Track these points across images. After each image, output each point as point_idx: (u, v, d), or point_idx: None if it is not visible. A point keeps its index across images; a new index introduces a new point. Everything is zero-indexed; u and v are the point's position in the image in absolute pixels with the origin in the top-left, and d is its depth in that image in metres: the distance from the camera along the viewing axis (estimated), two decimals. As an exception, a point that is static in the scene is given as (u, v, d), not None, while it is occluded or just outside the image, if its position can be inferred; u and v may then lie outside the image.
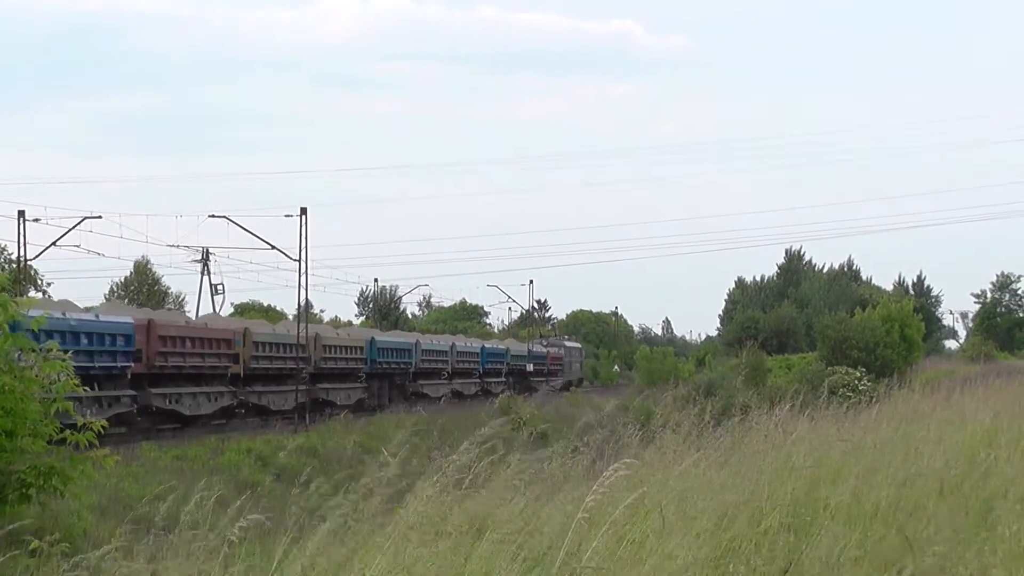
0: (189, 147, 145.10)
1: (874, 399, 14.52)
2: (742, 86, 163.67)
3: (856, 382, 41.05)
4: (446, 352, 48.83)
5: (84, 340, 25.32)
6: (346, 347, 39.67)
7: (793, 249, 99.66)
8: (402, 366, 43.64)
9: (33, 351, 12.34)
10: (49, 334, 23.24)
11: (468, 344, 53.52)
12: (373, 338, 42.42)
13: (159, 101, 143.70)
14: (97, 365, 25.76)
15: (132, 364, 27.20)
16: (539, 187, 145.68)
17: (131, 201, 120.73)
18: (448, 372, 48.42)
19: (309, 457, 19.82)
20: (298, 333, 35.07)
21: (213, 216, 40.33)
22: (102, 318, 27.18)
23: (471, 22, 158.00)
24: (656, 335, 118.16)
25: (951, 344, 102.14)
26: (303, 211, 35.66)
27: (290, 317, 51.89)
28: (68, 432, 12.46)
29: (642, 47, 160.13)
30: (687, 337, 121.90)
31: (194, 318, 38.71)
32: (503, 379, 54.67)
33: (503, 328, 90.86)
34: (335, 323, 60.84)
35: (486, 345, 55.74)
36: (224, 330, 32.69)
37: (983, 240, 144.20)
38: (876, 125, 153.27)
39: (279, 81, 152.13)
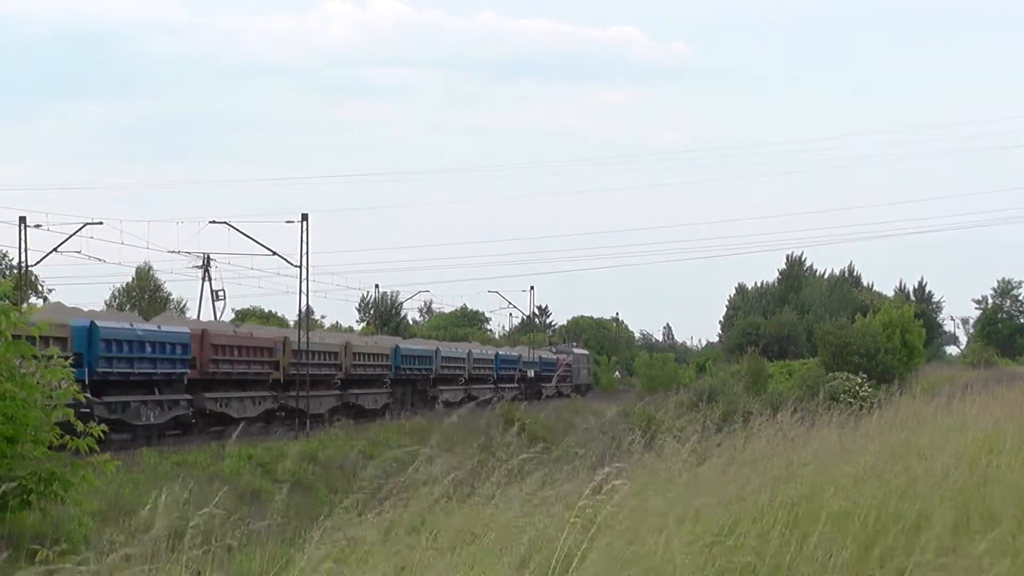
0: (189, 153, 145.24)
1: (875, 405, 14.53)
2: (743, 92, 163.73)
3: (857, 388, 41.03)
4: (463, 359, 51.03)
5: (148, 348, 27.63)
6: (374, 355, 41.82)
7: (794, 255, 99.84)
8: (423, 372, 45.77)
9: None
10: (119, 344, 26.66)
11: (483, 351, 55.74)
12: (398, 346, 44.77)
13: (160, 108, 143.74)
14: (159, 371, 28.07)
15: (188, 371, 29.25)
16: (539, 193, 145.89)
17: (132, 207, 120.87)
18: (465, 378, 50.47)
19: (310, 464, 19.90)
20: (299, 339, 35.25)
21: (214, 222, 40.32)
22: (163, 328, 29.38)
23: (471, 28, 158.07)
24: (657, 341, 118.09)
25: (952, 350, 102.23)
26: (304, 217, 35.72)
27: (291, 323, 51.95)
28: (69, 438, 12.46)
29: (643, 53, 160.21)
30: (688, 343, 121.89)
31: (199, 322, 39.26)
32: (516, 384, 56.49)
33: (504, 334, 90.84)
34: (335, 329, 60.83)
35: (500, 352, 57.78)
36: (267, 339, 35.10)
37: (984, 246, 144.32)
38: (877, 131, 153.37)
39: (280, 87, 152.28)
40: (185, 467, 19.81)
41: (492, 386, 52.67)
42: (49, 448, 12.44)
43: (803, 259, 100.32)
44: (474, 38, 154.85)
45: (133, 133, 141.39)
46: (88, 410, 22.36)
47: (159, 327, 29.51)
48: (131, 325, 28.21)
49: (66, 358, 13.27)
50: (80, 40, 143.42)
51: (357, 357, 39.99)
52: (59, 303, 28.94)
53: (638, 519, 6.47)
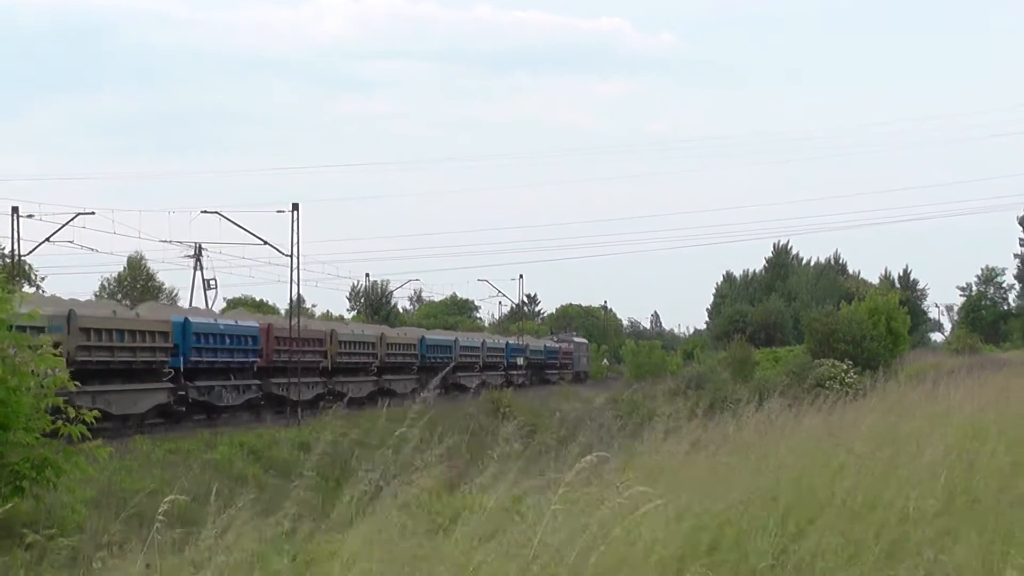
0: (182, 144, 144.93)
1: (861, 392, 14.65)
2: (731, 83, 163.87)
3: (843, 375, 41.27)
4: (478, 348, 55.28)
5: (227, 340, 31.86)
6: (404, 344, 45.94)
7: (781, 243, 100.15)
8: (445, 360, 49.02)
9: (30, 347, 12.38)
10: (207, 336, 30.85)
11: (496, 341, 60.06)
12: (423, 336, 49.24)
13: (153, 99, 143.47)
14: (235, 360, 32.24)
15: (258, 359, 33.38)
16: (529, 183, 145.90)
17: (124, 197, 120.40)
18: (480, 365, 54.35)
19: (301, 451, 19.97)
20: (290, 326, 35.78)
21: (205, 212, 40.51)
22: (239, 323, 33.74)
23: (464, 20, 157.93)
24: (645, 329, 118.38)
25: (937, 337, 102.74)
26: (295, 207, 35.85)
27: (282, 312, 52.10)
28: (61, 423, 12.50)
29: (632, 45, 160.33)
30: (676, 331, 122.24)
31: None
32: (523, 371, 60.70)
33: (493, 322, 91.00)
34: (326, 318, 60.94)
35: (509, 341, 62.06)
36: (318, 331, 39.15)
37: (968, 234, 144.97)
38: (863, 121, 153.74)
39: (273, 79, 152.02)
40: (178, 455, 19.88)
41: (503, 372, 56.72)
42: (42, 435, 12.48)
43: (789, 247, 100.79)
44: (468, 30, 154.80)
45: (126, 125, 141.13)
46: (183, 393, 28.98)
47: (236, 322, 33.87)
48: (215, 320, 32.90)
49: (54, 348, 13.30)
50: (77, 32, 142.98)
51: (390, 347, 43.91)
52: (54, 295, 29.06)
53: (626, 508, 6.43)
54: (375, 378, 42.08)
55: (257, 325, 34.54)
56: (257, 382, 33.46)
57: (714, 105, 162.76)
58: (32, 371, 12.32)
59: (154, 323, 28.31)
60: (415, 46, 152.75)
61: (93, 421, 12.73)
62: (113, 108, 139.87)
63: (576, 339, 75.98)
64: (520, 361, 60.63)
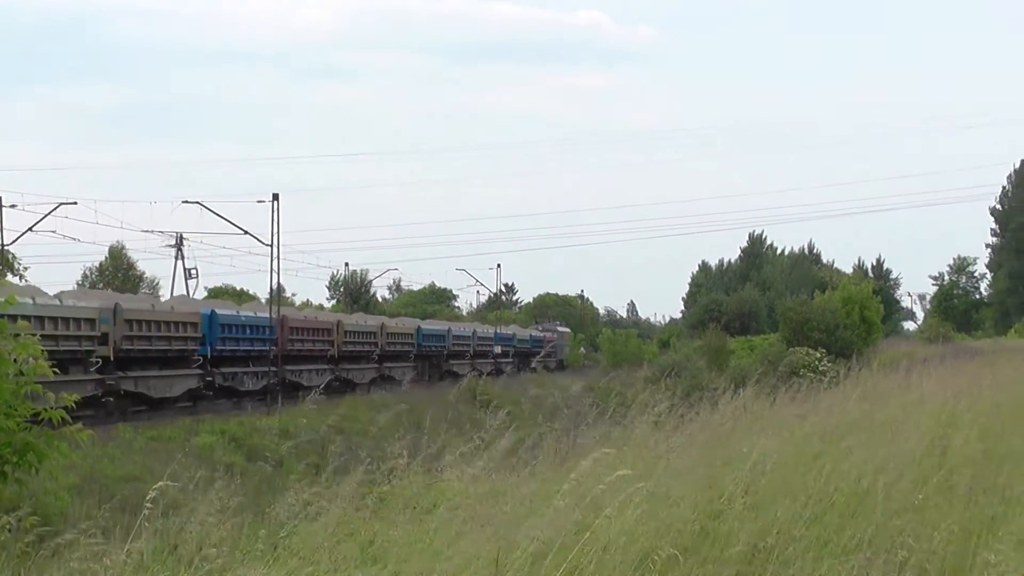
0: (164, 135, 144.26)
1: (835, 380, 14.82)
2: (707, 75, 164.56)
3: (816, 363, 41.55)
4: (469, 337, 57.66)
5: (248, 331, 34.99)
6: (402, 334, 48.51)
7: (756, 233, 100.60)
8: (439, 349, 52.32)
9: (14, 335, 12.35)
10: (231, 327, 33.79)
11: (485, 330, 62.43)
12: (420, 327, 51.23)
13: (135, 91, 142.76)
14: (255, 348, 35.37)
15: (273, 347, 36.09)
16: (507, 174, 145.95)
17: (106, 187, 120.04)
18: (471, 353, 56.72)
19: (282, 439, 20.03)
20: (270, 315, 36.26)
21: (187, 202, 40.94)
22: (257, 314, 36.98)
23: (445, 12, 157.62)
24: (621, 318, 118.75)
25: (909, 325, 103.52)
26: (275, 197, 36.05)
27: (263, 301, 52.18)
28: (43, 409, 12.49)
29: (610, 37, 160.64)
30: (652, 319, 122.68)
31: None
32: (511, 359, 63.42)
33: (471, 311, 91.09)
34: (305, 306, 60.94)
35: (497, 331, 64.40)
36: (327, 322, 41.96)
37: (941, 224, 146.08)
38: (838, 112, 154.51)
39: (254, 70, 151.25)
40: (160, 442, 19.91)
41: (492, 360, 59.19)
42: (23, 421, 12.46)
43: (764, 237, 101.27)
44: (447, 22, 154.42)
45: (109, 116, 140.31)
46: (211, 379, 31.72)
47: (255, 313, 36.98)
48: (237, 312, 36.01)
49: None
50: (59, 24, 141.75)
51: (390, 336, 46.62)
52: (35, 287, 29.45)
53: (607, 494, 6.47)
54: (376, 365, 44.93)
55: (273, 316, 37.50)
56: (274, 369, 36.03)
57: (691, 97, 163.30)
58: (13, 359, 12.31)
59: (186, 315, 31.25)
60: (395, 37, 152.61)
61: (73, 406, 12.73)
62: (96, 99, 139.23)
63: (560, 328, 78.82)
64: (497, 350, 62.07)
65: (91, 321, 26.72)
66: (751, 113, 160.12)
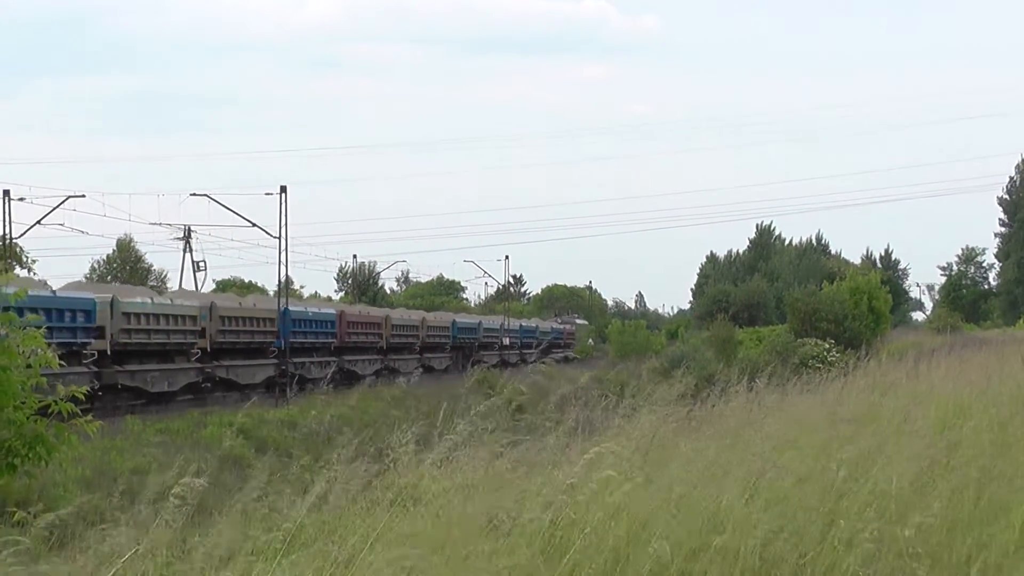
0: (172, 128, 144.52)
1: (844, 371, 14.78)
2: (714, 64, 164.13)
3: (825, 354, 41.53)
4: (498, 329, 62.84)
5: (314, 325, 39.21)
6: (440, 327, 53.59)
7: (764, 224, 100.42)
8: (471, 340, 57.34)
9: (17, 325, 12.38)
10: (300, 321, 38.00)
11: (512, 323, 67.44)
12: (454, 320, 56.44)
13: (143, 83, 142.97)
14: (320, 340, 39.82)
15: (335, 340, 40.79)
16: (515, 165, 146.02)
17: (114, 180, 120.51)
18: (499, 344, 61.59)
19: (289, 430, 20.11)
20: (278, 307, 36.60)
21: (195, 195, 40.84)
22: (322, 310, 42.02)
23: (447, 3, 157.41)
24: (629, 309, 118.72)
25: (918, 316, 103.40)
26: (283, 189, 36.10)
27: (271, 293, 52.40)
28: (52, 400, 12.53)
29: (616, 27, 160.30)
30: (660, 310, 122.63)
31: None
32: (534, 349, 67.37)
33: (479, 303, 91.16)
34: (313, 299, 61.22)
35: (522, 323, 70.18)
36: (377, 316, 46.71)
37: (949, 214, 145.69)
38: (846, 102, 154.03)
39: (261, 63, 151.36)
40: (168, 434, 19.96)
41: (518, 351, 64.13)
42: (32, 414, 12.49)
43: (772, 228, 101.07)
44: (452, 13, 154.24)
45: (116, 108, 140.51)
46: (284, 367, 34.87)
47: (320, 309, 41.93)
48: (306, 308, 40.78)
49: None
50: (62, 16, 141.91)
51: (430, 329, 51.89)
52: (42, 280, 29.99)
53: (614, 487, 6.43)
54: (418, 356, 49.90)
55: (335, 312, 41.90)
56: (335, 359, 40.16)
57: (698, 87, 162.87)
58: (23, 352, 12.33)
59: (266, 311, 35.81)
60: (399, 29, 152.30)
61: (83, 397, 12.76)
62: (103, 92, 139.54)
63: (578, 321, 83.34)
64: (505, 340, 63.99)
65: (194, 317, 31.08)
66: (759, 103, 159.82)
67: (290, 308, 37.18)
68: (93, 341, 26.69)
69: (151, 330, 29.17)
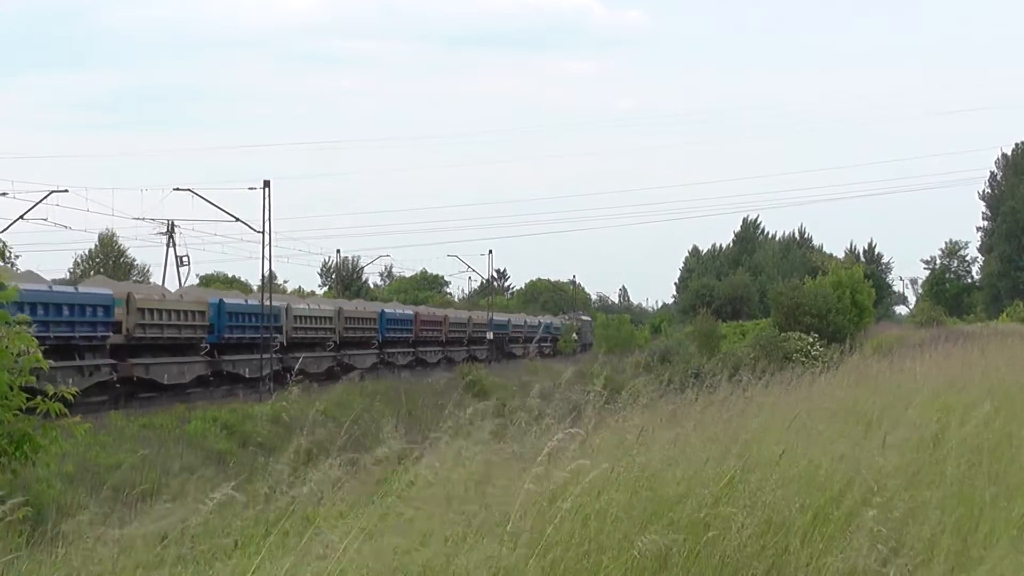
0: (154, 123, 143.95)
1: (828, 365, 14.81)
2: (698, 60, 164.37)
3: (809, 347, 41.66)
4: (523, 326, 71.29)
5: (313, 321, 42.00)
6: (481, 324, 62.25)
7: (749, 218, 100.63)
8: (503, 335, 65.86)
9: (7, 324, 12.33)
10: (303, 319, 40.90)
11: (535, 320, 75.62)
12: (492, 317, 64.32)
13: (126, 78, 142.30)
14: (319, 337, 42.55)
15: (332, 335, 43.48)
16: (498, 160, 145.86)
17: (97, 175, 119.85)
18: (523, 338, 69.38)
19: (274, 425, 20.07)
20: (261, 302, 36.62)
21: (178, 189, 40.89)
22: (322, 307, 44.35)
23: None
24: (613, 303, 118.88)
25: (901, 310, 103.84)
26: (266, 184, 36.04)
27: (255, 288, 52.28)
28: (40, 399, 12.48)
29: (601, 23, 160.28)
30: (644, 305, 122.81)
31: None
32: (548, 344, 73.93)
33: (463, 297, 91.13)
34: (299, 293, 61.05)
35: (541, 320, 76.79)
36: (405, 314, 52.43)
37: (932, 208, 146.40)
38: (830, 96, 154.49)
39: (244, 58, 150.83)
40: (152, 429, 19.88)
41: (538, 344, 70.67)
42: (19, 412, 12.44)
43: (757, 222, 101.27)
44: (436, 9, 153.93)
45: (99, 103, 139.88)
46: (291, 363, 34.25)
47: (319, 305, 44.64)
48: (307, 305, 43.14)
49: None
50: (49, 11, 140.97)
51: (475, 326, 60.82)
52: (30, 271, 30.35)
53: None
54: (467, 347, 57.22)
55: (281, 306, 41.93)
56: (333, 354, 42.58)
57: (682, 82, 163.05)
58: (8, 348, 12.27)
59: (192, 303, 34.91)
60: (384, 24, 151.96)
61: (71, 398, 12.71)
62: (86, 87, 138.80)
63: (583, 317, 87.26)
64: (493, 334, 66.63)
65: (203, 313, 32.71)
66: (743, 97, 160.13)
67: (292, 306, 40.30)
68: (112, 334, 28.50)
69: (164, 324, 31.29)
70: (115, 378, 27.99)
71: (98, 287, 30.01)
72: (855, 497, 6.81)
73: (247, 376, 35.62)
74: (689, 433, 7.98)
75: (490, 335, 63.16)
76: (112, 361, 28.18)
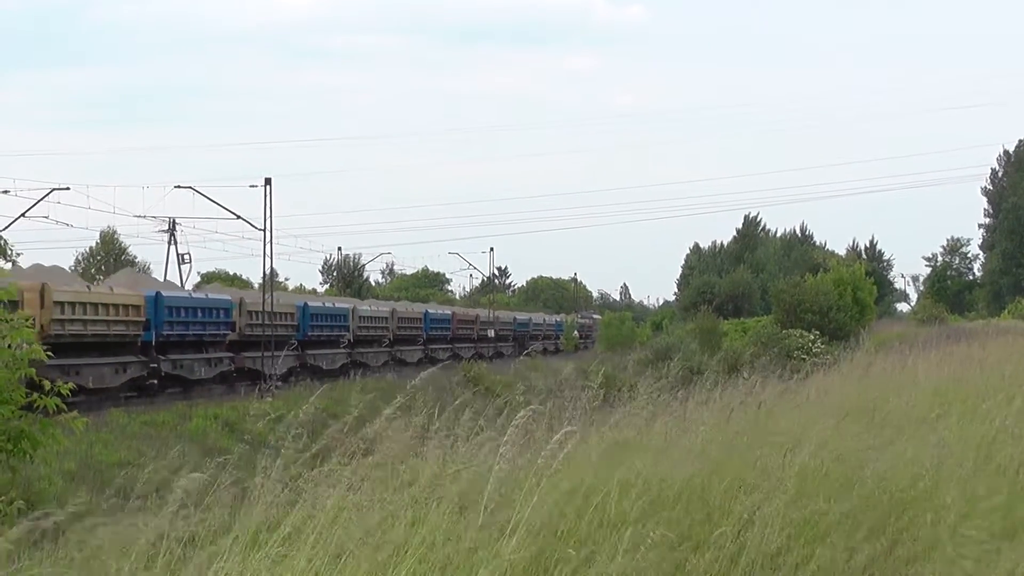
0: (155, 119, 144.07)
1: (830, 362, 14.82)
2: (700, 56, 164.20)
3: (810, 345, 41.65)
4: (541, 324, 75.84)
5: (330, 318, 42.62)
6: (506, 323, 68.05)
7: (751, 215, 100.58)
8: (525, 332, 70.69)
9: (5, 321, 12.31)
10: (319, 316, 41.28)
11: (551, 318, 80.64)
12: (515, 317, 71.03)
13: (127, 75, 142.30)
14: (334, 334, 43.19)
15: (347, 333, 44.31)
16: (499, 156, 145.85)
17: (98, 173, 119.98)
18: (541, 336, 72.92)
19: (273, 422, 20.04)
20: (263, 301, 36.55)
21: (179, 187, 40.95)
22: (336, 304, 45.48)
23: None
24: (615, 300, 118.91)
25: (903, 307, 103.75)
26: (267, 181, 36.00)
27: (255, 286, 52.31)
28: (37, 396, 12.46)
29: (602, 17, 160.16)
30: (645, 302, 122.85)
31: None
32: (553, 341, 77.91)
33: (464, 295, 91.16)
34: (299, 291, 61.11)
35: (556, 318, 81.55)
36: (444, 314, 56.82)
37: (934, 205, 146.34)
38: (833, 93, 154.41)
39: (244, 54, 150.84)
40: (153, 427, 19.87)
41: (554, 341, 75.33)
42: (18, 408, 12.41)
43: (759, 219, 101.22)
44: (436, 5, 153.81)
45: (101, 101, 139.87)
46: (304, 360, 38.69)
47: (334, 304, 45.53)
48: (322, 303, 44.40)
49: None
50: (46, 7, 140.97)
51: (502, 325, 65.98)
52: (38, 264, 30.79)
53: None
54: (493, 343, 62.24)
55: (348, 308, 44.77)
56: (348, 351, 43.81)
57: (683, 78, 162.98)
58: (9, 345, 12.25)
59: (285, 306, 39.23)
60: (383, 19, 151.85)
61: (68, 393, 12.69)
62: (88, 84, 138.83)
63: (594, 316, 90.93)
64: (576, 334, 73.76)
65: (227, 310, 34.10)
66: (745, 94, 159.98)
67: (309, 304, 41.56)
68: (231, 333, 33.56)
69: (266, 325, 35.05)
70: (232, 368, 33.51)
71: (220, 293, 36.11)
72: (861, 492, 6.75)
73: (325, 368, 39.65)
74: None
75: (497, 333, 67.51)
76: (231, 354, 33.61)
